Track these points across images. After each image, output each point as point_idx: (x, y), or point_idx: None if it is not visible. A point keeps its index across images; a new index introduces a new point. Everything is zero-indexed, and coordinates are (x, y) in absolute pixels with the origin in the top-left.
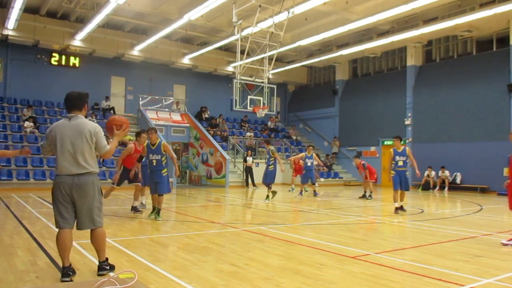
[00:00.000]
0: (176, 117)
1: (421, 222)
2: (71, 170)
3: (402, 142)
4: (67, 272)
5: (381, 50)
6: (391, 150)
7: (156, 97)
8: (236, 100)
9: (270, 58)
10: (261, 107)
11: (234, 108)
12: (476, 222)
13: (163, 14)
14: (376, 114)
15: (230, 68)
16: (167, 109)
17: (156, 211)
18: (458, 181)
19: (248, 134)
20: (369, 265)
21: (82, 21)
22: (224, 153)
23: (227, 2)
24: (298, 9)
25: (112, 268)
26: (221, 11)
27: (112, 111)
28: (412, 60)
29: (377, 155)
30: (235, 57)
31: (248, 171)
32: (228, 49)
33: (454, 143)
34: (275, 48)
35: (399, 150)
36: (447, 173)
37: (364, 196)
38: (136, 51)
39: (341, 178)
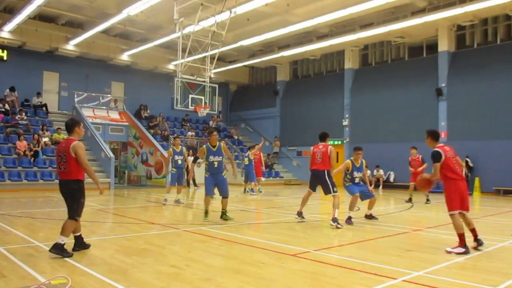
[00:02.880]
0: (114, 115)
1: (357, 219)
2: None
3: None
4: None
5: (320, 52)
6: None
7: (93, 94)
8: (177, 99)
9: (212, 57)
10: (203, 107)
11: (175, 107)
12: (407, 219)
13: (100, 8)
14: (316, 114)
15: (171, 66)
16: (104, 107)
17: (222, 214)
18: (391, 179)
19: (190, 133)
20: (309, 262)
21: (11, 11)
22: (165, 153)
23: None
24: (240, 9)
25: None
26: (161, 7)
27: (44, 108)
28: (350, 63)
29: None
30: (176, 55)
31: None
32: (169, 47)
33: (388, 143)
34: (217, 47)
35: (357, 165)
36: (381, 172)
37: (428, 200)
38: (71, 46)
39: (282, 177)
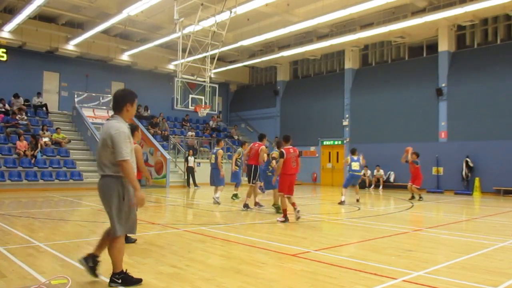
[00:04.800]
0: None
1: (357, 219)
2: (98, 171)
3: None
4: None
5: (320, 52)
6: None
7: (93, 94)
8: (177, 99)
9: (212, 57)
10: (203, 107)
11: (175, 107)
12: (407, 219)
13: (100, 8)
14: (316, 114)
15: (171, 66)
16: (104, 107)
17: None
18: (391, 179)
19: (190, 133)
20: (309, 262)
21: (11, 11)
22: (165, 153)
23: None
24: (240, 9)
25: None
26: (162, 7)
27: (44, 108)
28: (350, 63)
29: (317, 155)
30: (176, 55)
31: (190, 171)
32: (169, 47)
33: (388, 143)
34: (217, 47)
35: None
36: (381, 172)
37: (413, 197)
38: (71, 46)
39: None
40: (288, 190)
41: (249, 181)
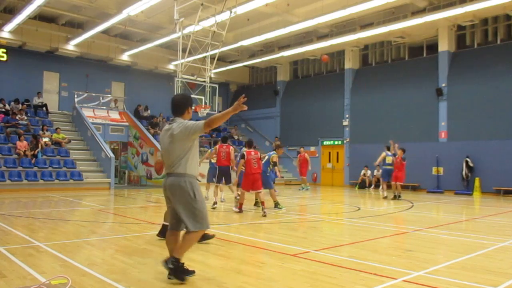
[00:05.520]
0: (115, 115)
1: (357, 219)
2: (166, 170)
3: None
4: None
5: (320, 52)
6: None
7: (93, 94)
8: None
9: (212, 57)
10: (203, 107)
11: None
12: (407, 219)
13: (100, 8)
14: (316, 114)
15: (171, 66)
16: (104, 107)
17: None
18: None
19: None
20: (309, 262)
21: (11, 11)
22: None
23: None
24: (240, 9)
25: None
26: (162, 7)
27: (44, 108)
28: (350, 63)
29: (317, 155)
30: (177, 55)
31: None
32: (169, 47)
33: (388, 143)
34: (217, 47)
35: None
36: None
37: (395, 197)
38: (71, 46)
39: (282, 177)
40: (252, 187)
41: (227, 182)
